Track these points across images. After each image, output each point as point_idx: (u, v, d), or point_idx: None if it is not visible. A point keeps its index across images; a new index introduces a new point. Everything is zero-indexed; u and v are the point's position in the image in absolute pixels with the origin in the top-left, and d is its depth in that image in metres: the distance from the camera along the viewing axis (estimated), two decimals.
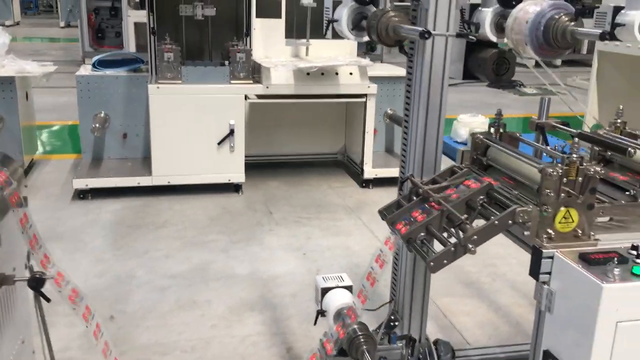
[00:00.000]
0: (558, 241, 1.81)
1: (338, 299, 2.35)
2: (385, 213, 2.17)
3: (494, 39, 2.12)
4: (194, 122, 4.96)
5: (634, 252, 1.74)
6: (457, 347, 3.01)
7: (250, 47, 5.28)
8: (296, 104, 5.68)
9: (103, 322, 3.14)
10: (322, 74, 5.22)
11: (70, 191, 4.98)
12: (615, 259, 1.66)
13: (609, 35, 2.40)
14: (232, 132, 5.03)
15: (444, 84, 2.20)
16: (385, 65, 6.91)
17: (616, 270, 1.62)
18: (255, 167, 5.78)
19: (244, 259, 3.98)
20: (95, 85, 5.29)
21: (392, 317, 2.46)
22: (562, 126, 2.27)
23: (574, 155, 1.78)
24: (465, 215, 1.83)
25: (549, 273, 1.79)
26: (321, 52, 5.50)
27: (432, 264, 1.80)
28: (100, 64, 5.44)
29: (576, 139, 1.81)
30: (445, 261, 1.81)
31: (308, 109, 5.87)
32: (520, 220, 1.80)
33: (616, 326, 1.63)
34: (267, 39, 5.45)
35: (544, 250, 1.78)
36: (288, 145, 5.98)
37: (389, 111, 6.06)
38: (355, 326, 2.21)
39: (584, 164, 1.79)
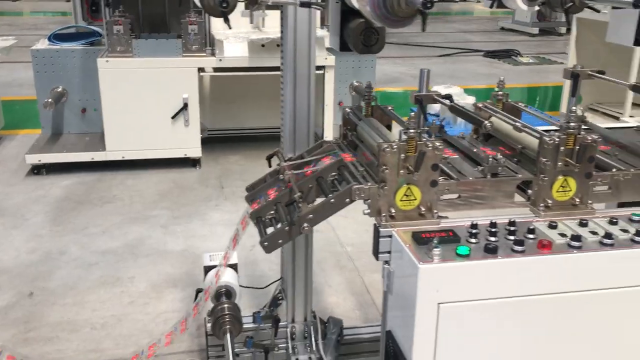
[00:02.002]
0: (400, 219, 1.74)
1: (212, 278, 2.31)
2: (252, 189, 2.11)
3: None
4: (147, 97, 4.91)
5: (472, 231, 1.67)
6: (369, 323, 2.98)
7: (207, 18, 5.19)
8: (258, 76, 5.59)
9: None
10: (278, 45, 5.10)
11: (27, 166, 4.99)
12: (436, 238, 1.58)
13: (497, 4, 2.30)
14: (185, 106, 4.97)
15: (310, 55, 2.12)
16: None
17: (436, 250, 1.55)
18: (218, 141, 5.74)
19: (181, 235, 3.97)
20: (51, 59, 5.25)
21: (279, 295, 2.42)
22: (441, 99, 2.17)
23: (411, 131, 1.69)
24: (299, 193, 1.76)
25: (390, 252, 1.73)
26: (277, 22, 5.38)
27: (265, 244, 1.75)
28: (57, 38, 5.40)
29: (412, 113, 1.72)
30: (280, 241, 1.75)
31: (271, 81, 5.75)
32: (357, 199, 1.73)
33: (438, 308, 1.56)
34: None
35: (381, 229, 1.71)
36: (252, 119, 5.90)
37: (355, 83, 5.94)
38: (225, 306, 2.18)
39: (423, 138, 1.71)
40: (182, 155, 5.14)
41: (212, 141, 5.63)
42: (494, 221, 1.70)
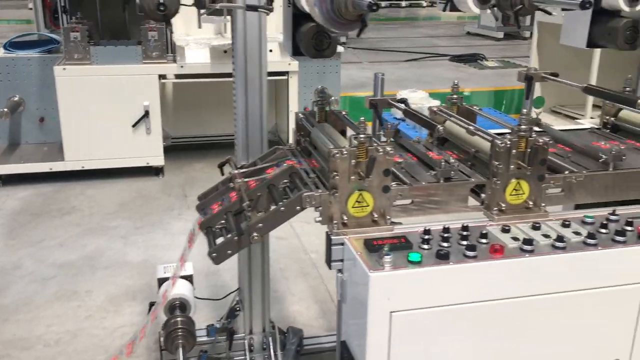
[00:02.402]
0: (353, 226, 1.70)
1: (165, 288, 2.24)
2: (204, 197, 2.06)
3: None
4: (106, 105, 4.80)
5: (425, 237, 1.64)
6: (332, 331, 2.93)
7: (167, 25, 5.11)
8: (220, 82, 5.52)
9: None
10: None
11: None
12: (387, 245, 1.55)
13: (450, 7, 2.29)
14: (147, 113, 4.87)
15: (262, 60, 2.08)
16: None
17: (387, 258, 1.51)
18: (183, 149, 5.65)
19: (142, 245, 3.87)
20: (6, 68, 5.10)
21: (236, 306, 2.36)
22: (397, 103, 2.15)
23: (362, 136, 1.66)
24: (248, 202, 1.71)
25: (342, 260, 1.69)
26: None
27: (214, 255, 1.69)
28: (14, 46, 5.25)
29: (362, 118, 1.69)
30: (229, 251, 1.70)
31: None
32: (308, 206, 1.69)
33: (390, 316, 1.53)
34: (189, 16, 5.26)
35: (333, 237, 1.68)
36: (217, 126, 5.81)
37: (320, 88, 5.90)
38: (178, 319, 2.11)
39: (374, 144, 1.68)
40: (144, 164, 5.03)
41: (177, 149, 5.54)
42: (446, 226, 1.68)
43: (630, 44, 2.22)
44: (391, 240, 1.62)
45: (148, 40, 4.84)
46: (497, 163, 1.75)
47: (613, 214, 1.78)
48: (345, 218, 1.69)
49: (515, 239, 1.65)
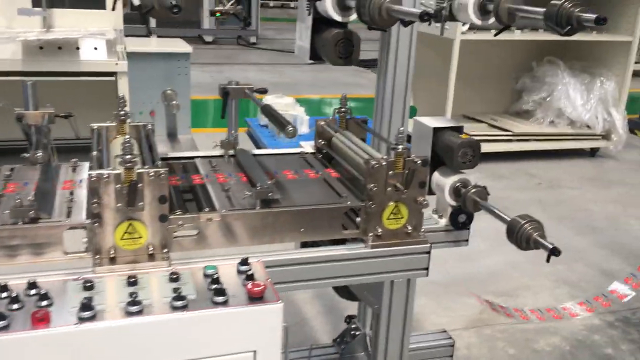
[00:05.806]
0: None
1: None
2: None
3: None
4: None
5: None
6: None
7: None
8: (53, 83, 5.03)
9: None
10: (60, 48, 4.58)
11: None
12: None
13: None
14: None
15: None
16: (167, 40, 6.32)
17: None
18: (8, 152, 5.11)
19: None
20: None
21: None
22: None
23: None
24: None
25: None
26: (74, 23, 4.86)
27: None
28: None
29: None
30: None
31: (67, 89, 5.21)
32: None
33: None
34: (12, 7, 4.75)
35: None
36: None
37: (168, 91, 5.49)
38: None
39: None
40: None
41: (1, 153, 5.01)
42: (4, 283, 1.31)
43: (344, 58, 1.94)
44: None
45: None
46: (93, 202, 1.39)
47: (244, 263, 1.45)
48: None
49: (84, 300, 1.29)
